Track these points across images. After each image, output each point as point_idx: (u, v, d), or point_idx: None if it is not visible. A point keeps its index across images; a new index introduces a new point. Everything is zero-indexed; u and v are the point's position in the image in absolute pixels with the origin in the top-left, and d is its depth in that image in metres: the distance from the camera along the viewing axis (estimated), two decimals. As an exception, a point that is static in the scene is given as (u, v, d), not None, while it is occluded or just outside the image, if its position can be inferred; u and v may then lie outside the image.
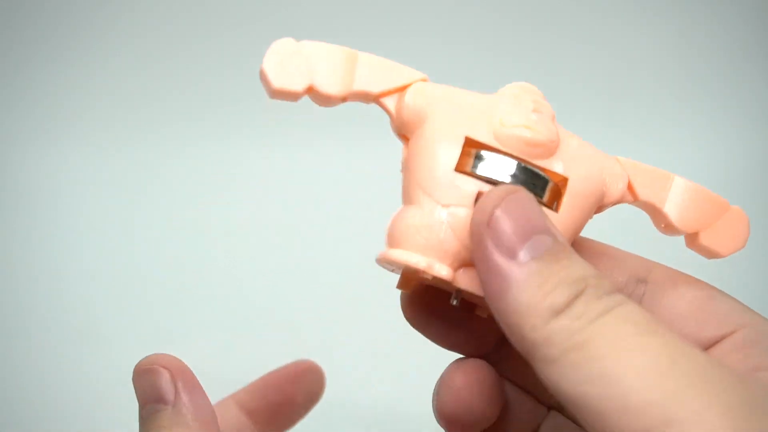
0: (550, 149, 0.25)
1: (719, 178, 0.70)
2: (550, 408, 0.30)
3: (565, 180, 0.25)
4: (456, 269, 0.24)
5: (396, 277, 0.27)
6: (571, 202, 0.25)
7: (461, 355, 0.29)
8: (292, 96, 0.25)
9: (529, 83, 0.27)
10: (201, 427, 0.26)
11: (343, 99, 0.26)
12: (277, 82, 0.25)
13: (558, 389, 0.21)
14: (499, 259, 0.22)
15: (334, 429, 0.50)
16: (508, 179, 0.24)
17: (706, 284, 0.27)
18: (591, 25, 0.71)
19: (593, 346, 0.21)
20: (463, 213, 0.24)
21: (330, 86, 0.25)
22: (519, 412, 0.29)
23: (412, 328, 0.29)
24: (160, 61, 0.70)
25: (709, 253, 0.27)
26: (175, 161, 0.69)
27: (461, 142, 0.25)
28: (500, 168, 0.24)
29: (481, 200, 0.23)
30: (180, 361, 0.27)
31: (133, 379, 0.27)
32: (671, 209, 0.27)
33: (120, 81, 0.70)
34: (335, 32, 0.71)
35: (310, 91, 0.25)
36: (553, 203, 0.25)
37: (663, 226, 0.27)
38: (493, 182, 0.24)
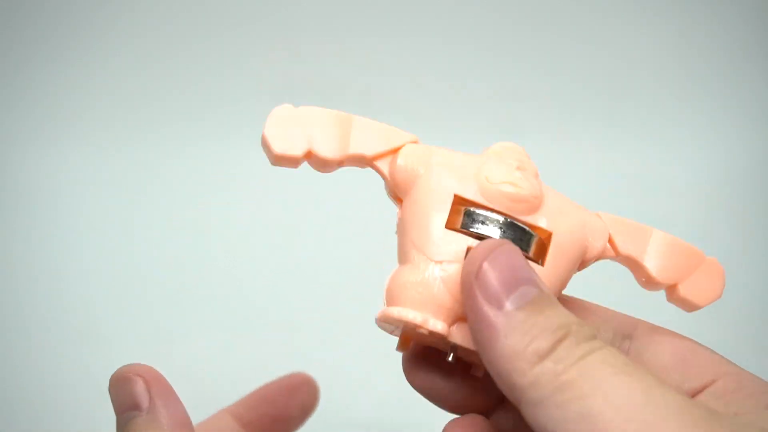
0: (534, 205, 0.27)
1: (719, 178, 0.70)
2: None
3: (549, 235, 0.27)
4: (450, 324, 0.25)
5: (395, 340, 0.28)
6: (556, 256, 0.26)
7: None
8: (293, 161, 0.27)
9: (513, 143, 0.28)
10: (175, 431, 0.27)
11: (340, 162, 0.27)
12: (279, 147, 0.26)
13: (545, 431, 0.22)
14: (487, 309, 0.23)
15: None
16: (496, 235, 0.26)
17: (689, 339, 0.28)
18: (591, 25, 0.71)
19: (575, 386, 0.22)
20: (454, 269, 0.25)
21: (327, 150, 0.27)
22: None
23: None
24: (160, 61, 0.70)
25: (688, 305, 0.29)
26: (175, 161, 0.69)
27: (451, 200, 0.26)
28: (488, 224, 0.26)
29: (470, 254, 0.25)
30: (153, 369, 0.28)
31: (108, 390, 0.28)
32: (651, 262, 0.28)
33: (120, 81, 0.70)
34: (335, 32, 0.71)
35: (309, 156, 0.27)
36: (539, 257, 0.26)
37: (644, 280, 0.29)
38: (482, 238, 0.26)
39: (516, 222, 0.26)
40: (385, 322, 0.26)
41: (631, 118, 0.72)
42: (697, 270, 0.29)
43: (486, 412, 0.30)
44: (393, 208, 0.28)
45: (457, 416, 0.29)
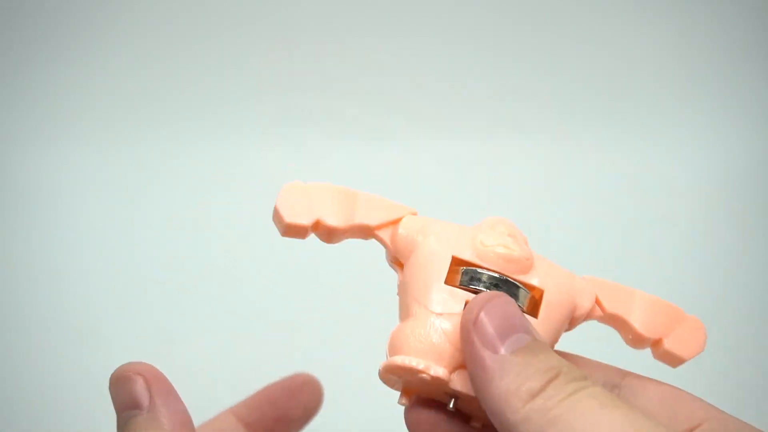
0: (526, 266, 0.29)
1: (719, 178, 0.70)
2: None
3: (541, 292, 0.29)
4: (451, 372, 0.27)
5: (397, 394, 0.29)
6: (548, 312, 0.28)
7: None
8: (301, 231, 0.29)
9: (503, 217, 0.30)
10: (175, 431, 0.27)
11: (344, 232, 0.29)
12: (289, 217, 0.29)
13: None
14: (484, 353, 0.25)
15: None
16: (490, 289, 0.28)
17: (673, 386, 0.30)
18: (591, 25, 0.71)
19: (564, 420, 0.24)
20: (454, 320, 0.27)
21: (334, 220, 0.29)
22: None
23: None
24: (160, 61, 0.70)
25: (674, 359, 0.30)
26: (175, 161, 0.69)
27: (449, 260, 0.28)
28: (484, 281, 0.28)
29: (468, 304, 0.27)
30: (154, 367, 0.28)
31: (109, 389, 0.28)
32: (636, 319, 0.30)
33: (120, 81, 0.70)
34: (335, 32, 0.71)
35: (317, 226, 0.29)
36: (532, 312, 0.28)
37: (630, 337, 0.30)
38: (478, 293, 0.28)
39: (509, 279, 0.28)
40: (389, 372, 0.28)
41: (631, 118, 0.72)
42: (680, 326, 0.30)
43: None
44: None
45: None
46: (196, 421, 0.28)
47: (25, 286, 0.63)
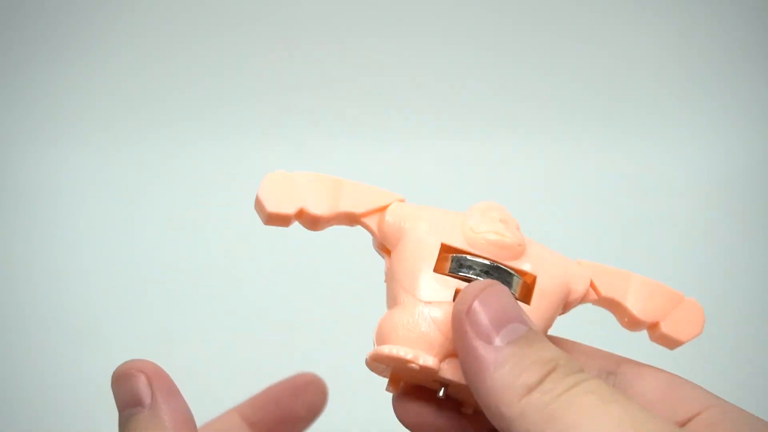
0: (518, 252, 0.28)
1: (719, 178, 0.70)
2: None
3: (533, 278, 0.28)
4: (441, 360, 0.26)
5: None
6: (541, 298, 0.28)
7: None
8: (284, 220, 0.28)
9: (494, 202, 0.29)
10: (177, 429, 0.27)
11: (329, 220, 0.29)
12: (271, 206, 0.28)
13: None
14: (478, 344, 0.24)
15: None
16: (482, 277, 0.27)
17: (672, 374, 0.29)
18: (591, 25, 0.71)
19: (563, 416, 0.23)
20: (443, 308, 0.26)
21: (318, 208, 0.28)
22: None
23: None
24: (160, 61, 0.70)
25: (671, 342, 0.30)
26: (175, 161, 0.69)
27: (438, 248, 0.28)
28: (475, 268, 0.27)
29: (461, 293, 0.26)
30: (156, 365, 0.28)
31: (111, 385, 0.28)
32: (632, 302, 0.29)
33: (120, 81, 0.70)
34: (335, 32, 0.71)
35: (301, 215, 0.28)
36: (525, 299, 0.28)
37: (626, 320, 0.30)
38: (468, 280, 0.27)
39: (501, 265, 0.28)
40: (377, 361, 0.27)
41: (631, 118, 0.72)
42: (677, 308, 0.30)
43: None
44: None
45: None
46: (197, 421, 0.28)
47: (25, 286, 0.63)
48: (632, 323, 0.30)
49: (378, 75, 0.71)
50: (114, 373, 0.28)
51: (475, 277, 0.27)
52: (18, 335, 0.60)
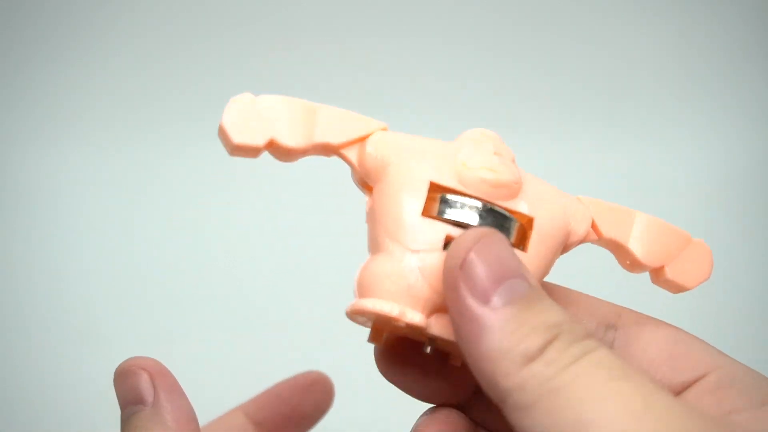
0: (514, 190, 0.25)
1: (719, 178, 0.70)
2: None
3: (531, 220, 0.25)
4: (429, 315, 0.24)
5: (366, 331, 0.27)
6: (539, 242, 0.25)
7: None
8: (253, 151, 0.25)
9: (488, 129, 0.27)
10: (179, 428, 0.26)
11: (304, 152, 0.26)
12: (238, 138, 0.25)
13: None
14: (473, 304, 0.22)
15: None
16: (475, 221, 0.25)
17: (676, 328, 0.27)
18: (591, 25, 0.71)
19: (567, 392, 0.21)
20: (433, 258, 0.24)
21: (290, 139, 0.25)
22: None
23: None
24: (160, 61, 0.70)
25: (676, 287, 0.28)
26: (175, 161, 0.69)
27: (426, 187, 0.25)
28: (467, 210, 0.25)
29: (453, 243, 0.23)
30: (159, 363, 0.27)
31: (113, 383, 0.28)
32: (635, 245, 0.27)
33: (120, 81, 0.70)
34: (335, 32, 0.71)
35: (271, 145, 0.25)
36: (521, 244, 0.25)
37: (628, 262, 0.28)
38: (460, 225, 0.24)
39: (496, 208, 0.25)
40: (357, 315, 0.25)
41: (631, 118, 0.72)
42: (684, 251, 0.27)
43: (463, 402, 0.28)
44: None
45: (433, 406, 0.28)
46: (199, 421, 0.28)
47: (25, 286, 0.63)
48: (634, 266, 0.27)
49: (378, 75, 0.71)
50: (116, 370, 0.27)
51: (466, 221, 0.24)
52: (18, 335, 0.60)
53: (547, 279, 0.27)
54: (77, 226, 0.66)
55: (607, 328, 0.27)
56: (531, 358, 0.21)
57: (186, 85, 0.70)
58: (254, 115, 0.25)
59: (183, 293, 0.62)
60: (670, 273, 0.27)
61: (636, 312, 0.28)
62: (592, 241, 0.27)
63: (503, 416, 0.22)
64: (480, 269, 0.22)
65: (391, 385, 0.28)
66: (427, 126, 0.71)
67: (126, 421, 0.27)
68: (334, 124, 0.26)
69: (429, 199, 0.25)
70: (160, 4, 0.69)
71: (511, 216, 0.25)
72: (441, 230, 0.24)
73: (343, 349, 0.58)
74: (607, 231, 0.27)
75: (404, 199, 0.25)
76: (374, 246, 0.25)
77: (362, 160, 0.26)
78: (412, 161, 0.25)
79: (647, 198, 0.69)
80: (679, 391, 0.26)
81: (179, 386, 0.27)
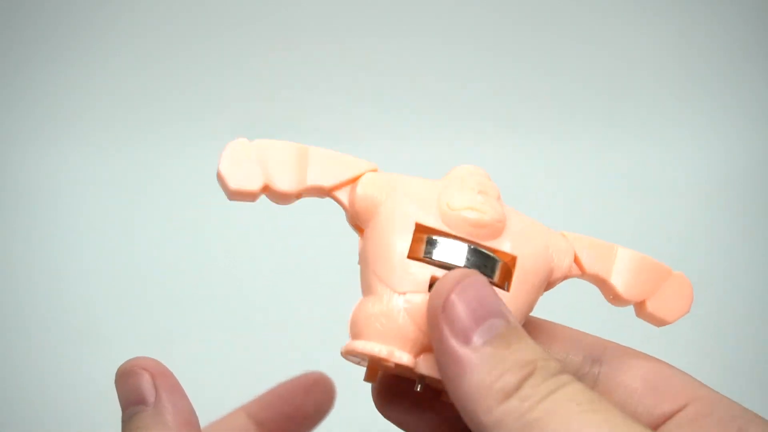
0: (497, 229, 0.26)
1: (719, 178, 0.70)
2: None
3: (514, 258, 0.26)
4: (417, 355, 0.25)
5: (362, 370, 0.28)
6: (522, 280, 0.26)
7: None
8: (250, 196, 0.26)
9: (474, 166, 0.28)
10: (181, 428, 0.26)
11: (298, 195, 0.27)
12: (234, 183, 0.26)
13: None
14: (454, 343, 0.23)
15: None
16: (459, 262, 0.25)
17: (659, 361, 0.28)
18: (591, 25, 0.71)
19: (541, 425, 0.22)
20: (419, 299, 0.25)
21: (285, 183, 0.26)
22: None
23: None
24: (160, 61, 0.70)
25: (657, 321, 0.28)
26: (175, 161, 0.69)
27: (412, 228, 0.26)
28: (451, 252, 0.26)
29: (436, 285, 0.24)
30: (160, 363, 0.27)
31: (114, 383, 0.28)
32: (617, 280, 0.28)
33: (120, 81, 0.70)
34: (335, 32, 0.71)
35: (267, 190, 0.26)
36: (504, 282, 0.26)
37: (611, 297, 0.28)
38: (445, 266, 0.25)
39: (479, 248, 0.26)
40: (350, 355, 0.26)
41: (631, 118, 0.72)
42: (665, 284, 0.28)
43: None
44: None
45: None
46: (200, 422, 0.28)
47: (25, 286, 0.63)
48: (617, 300, 0.28)
49: (378, 75, 0.71)
50: (118, 370, 0.27)
51: (450, 262, 0.25)
52: (18, 335, 0.60)
53: (538, 314, 0.28)
54: (77, 226, 0.66)
55: (593, 361, 0.29)
56: (508, 394, 0.22)
57: (186, 85, 0.70)
58: (249, 161, 0.26)
59: (183, 293, 0.62)
60: (651, 307, 0.28)
61: (621, 346, 0.29)
62: (576, 276, 0.28)
63: None
64: (460, 310, 0.23)
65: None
66: (426, 126, 0.71)
67: (127, 421, 0.27)
68: (326, 166, 0.27)
69: (415, 241, 0.26)
70: (160, 4, 0.69)
71: (495, 256, 0.26)
72: (427, 272, 0.25)
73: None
74: (590, 266, 0.28)
75: (391, 241, 0.26)
76: (366, 287, 0.26)
77: (353, 201, 0.27)
78: (399, 202, 0.26)
79: (647, 198, 0.69)
80: (661, 422, 0.27)
81: (180, 387, 0.27)
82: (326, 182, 0.27)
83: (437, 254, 0.25)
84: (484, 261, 0.26)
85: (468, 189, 0.26)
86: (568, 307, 0.31)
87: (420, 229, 0.26)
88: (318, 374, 0.39)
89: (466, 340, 0.23)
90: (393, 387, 0.29)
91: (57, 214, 0.67)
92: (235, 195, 0.26)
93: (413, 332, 0.25)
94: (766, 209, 0.69)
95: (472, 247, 0.26)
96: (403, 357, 0.25)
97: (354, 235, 0.28)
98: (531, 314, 0.28)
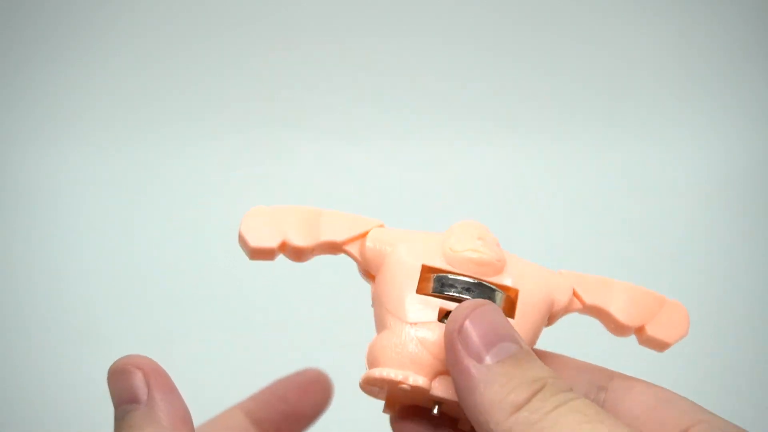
0: (498, 268, 0.29)
1: (719, 178, 0.70)
2: None
3: (516, 292, 0.28)
4: (431, 379, 0.27)
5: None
6: (525, 312, 0.28)
7: None
8: (268, 254, 0.29)
9: (473, 220, 0.30)
10: (174, 427, 0.26)
11: (312, 251, 0.29)
12: (254, 241, 0.29)
13: None
14: (468, 362, 0.25)
15: None
16: (466, 295, 0.28)
17: (662, 388, 0.29)
18: (591, 25, 0.71)
19: None
20: (429, 328, 0.27)
21: (300, 239, 0.29)
22: None
23: None
24: (160, 61, 0.70)
25: (659, 345, 0.30)
26: (175, 161, 0.69)
27: (419, 269, 0.28)
28: (457, 286, 0.28)
29: (453, 312, 0.26)
30: (153, 361, 0.27)
31: (107, 381, 0.27)
32: (616, 308, 0.30)
33: (120, 81, 0.70)
34: (335, 32, 0.71)
35: (284, 246, 0.29)
36: (509, 314, 0.28)
37: (612, 326, 0.30)
38: (451, 299, 0.28)
39: (483, 282, 0.28)
40: (369, 384, 0.28)
41: (631, 118, 0.72)
42: (661, 310, 0.30)
43: None
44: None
45: None
46: (195, 421, 0.28)
47: (25, 286, 0.63)
48: (618, 329, 0.30)
49: (378, 75, 0.71)
50: (110, 368, 0.27)
51: (457, 295, 0.28)
52: (18, 335, 0.60)
53: (547, 346, 0.30)
54: (77, 226, 0.66)
55: (599, 389, 0.30)
56: (518, 407, 0.24)
57: (186, 85, 0.70)
58: (267, 222, 0.29)
59: (183, 293, 0.62)
60: (651, 331, 0.30)
61: (626, 375, 0.30)
62: (578, 311, 0.30)
63: None
64: (474, 333, 0.25)
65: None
66: (426, 126, 0.71)
67: (120, 420, 0.26)
68: (337, 224, 0.30)
69: (422, 279, 0.28)
70: (160, 4, 0.69)
71: (498, 288, 0.28)
72: (435, 304, 0.28)
73: (343, 349, 0.58)
74: (590, 299, 0.30)
75: (401, 281, 0.28)
76: (380, 325, 0.28)
77: (363, 253, 0.30)
78: (406, 250, 0.29)
79: (647, 198, 0.69)
80: None
81: (174, 385, 0.27)
82: (338, 237, 0.30)
83: (444, 289, 0.28)
84: (488, 293, 0.28)
85: (469, 236, 0.29)
86: (572, 344, 0.32)
87: (426, 270, 0.28)
88: (315, 371, 0.39)
89: (479, 359, 0.25)
90: (410, 417, 0.30)
91: (57, 214, 0.67)
92: (255, 253, 0.29)
93: (427, 358, 0.27)
94: (766, 209, 0.69)
95: (476, 281, 0.28)
96: (418, 380, 0.26)
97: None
98: (535, 347, 0.29)
